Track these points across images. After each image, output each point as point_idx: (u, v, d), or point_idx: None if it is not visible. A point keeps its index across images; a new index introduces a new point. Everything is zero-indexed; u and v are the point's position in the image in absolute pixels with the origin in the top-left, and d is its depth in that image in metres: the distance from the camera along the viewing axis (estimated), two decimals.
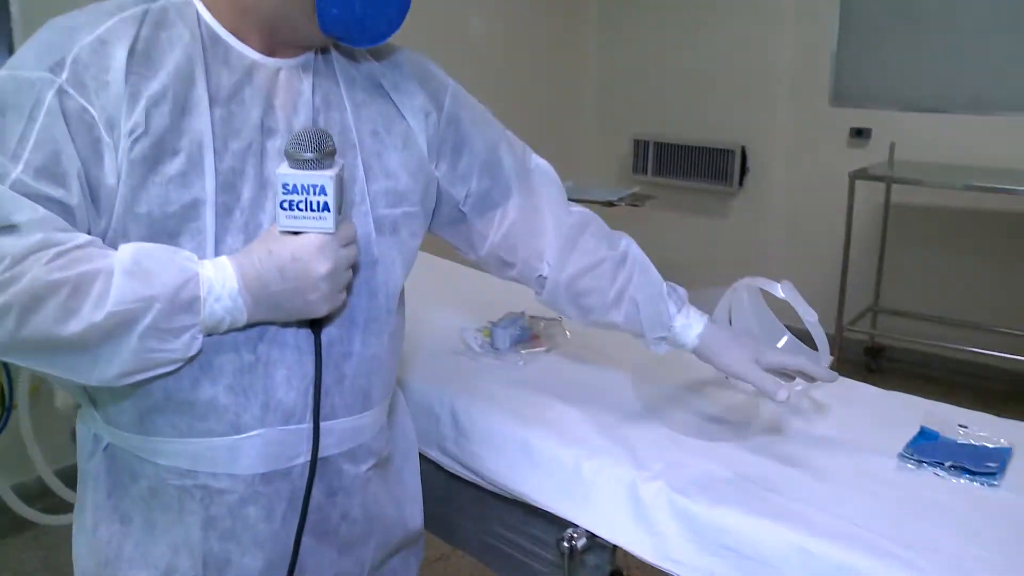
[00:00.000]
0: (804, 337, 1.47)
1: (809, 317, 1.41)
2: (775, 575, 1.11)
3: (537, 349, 1.68)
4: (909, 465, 1.26)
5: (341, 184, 0.97)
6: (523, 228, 1.28)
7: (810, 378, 1.31)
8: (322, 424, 1.04)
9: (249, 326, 0.99)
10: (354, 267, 1.03)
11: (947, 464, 1.25)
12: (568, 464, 1.31)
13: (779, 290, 1.41)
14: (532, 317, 1.76)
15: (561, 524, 1.30)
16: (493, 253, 1.30)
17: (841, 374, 1.37)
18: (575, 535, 1.27)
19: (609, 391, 1.52)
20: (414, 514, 1.32)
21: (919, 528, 1.12)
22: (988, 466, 1.23)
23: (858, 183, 3.72)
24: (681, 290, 1.35)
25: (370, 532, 1.19)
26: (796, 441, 1.36)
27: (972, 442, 1.32)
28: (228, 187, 0.98)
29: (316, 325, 1.03)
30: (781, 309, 1.48)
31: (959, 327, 3.89)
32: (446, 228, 1.28)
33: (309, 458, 1.04)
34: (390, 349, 1.15)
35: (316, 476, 1.05)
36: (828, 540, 1.10)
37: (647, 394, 1.51)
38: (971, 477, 1.23)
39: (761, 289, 1.50)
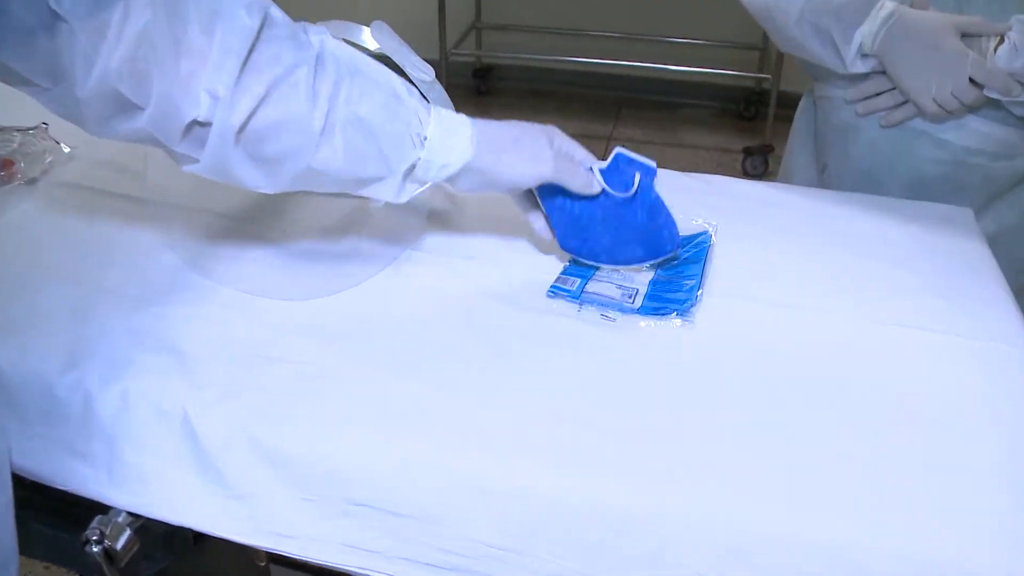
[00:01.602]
0: None
1: (421, 74, 0.91)
2: (446, 535, 0.67)
3: (12, 183, 1.03)
4: (556, 305, 0.85)
5: None
6: (163, 40, 0.64)
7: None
8: None
9: None
10: None
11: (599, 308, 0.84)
12: (70, 399, 0.75)
13: (367, 36, 0.88)
14: (2, 130, 1.09)
15: (96, 505, 0.76)
16: (106, 87, 0.65)
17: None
18: (105, 530, 0.73)
19: (135, 244, 0.94)
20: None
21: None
22: (610, 308, 0.83)
23: None
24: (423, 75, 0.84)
25: None
26: (437, 277, 0.89)
27: None
28: None
29: None
30: None
31: (566, 36, 3.61)
32: (11, 48, 0.62)
33: None
34: None
35: None
36: (503, 465, 0.66)
37: (192, 232, 0.94)
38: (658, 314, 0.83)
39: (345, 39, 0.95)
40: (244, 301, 0.84)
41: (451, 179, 0.80)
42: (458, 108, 0.84)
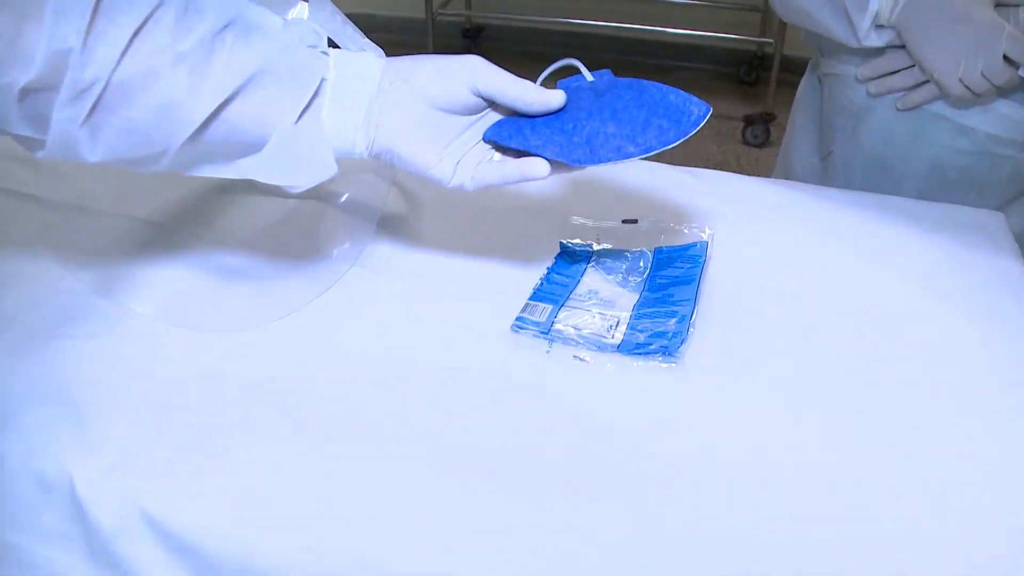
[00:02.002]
0: None
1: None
2: None
3: None
4: (522, 340, 0.72)
5: None
6: None
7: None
8: None
9: None
10: None
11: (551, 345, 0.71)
12: None
13: (301, 11, 0.75)
14: None
15: None
16: None
17: None
18: None
19: (33, 260, 0.81)
20: None
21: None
22: (586, 345, 0.70)
23: None
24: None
25: None
26: (381, 303, 0.76)
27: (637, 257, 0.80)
28: None
29: None
30: None
31: None
32: None
33: None
34: None
35: None
36: (450, 566, 0.54)
37: (102, 244, 0.81)
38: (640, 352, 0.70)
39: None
40: (155, 332, 0.72)
41: (373, 113, 0.61)
42: None
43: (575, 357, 0.69)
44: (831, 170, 1.11)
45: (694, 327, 0.71)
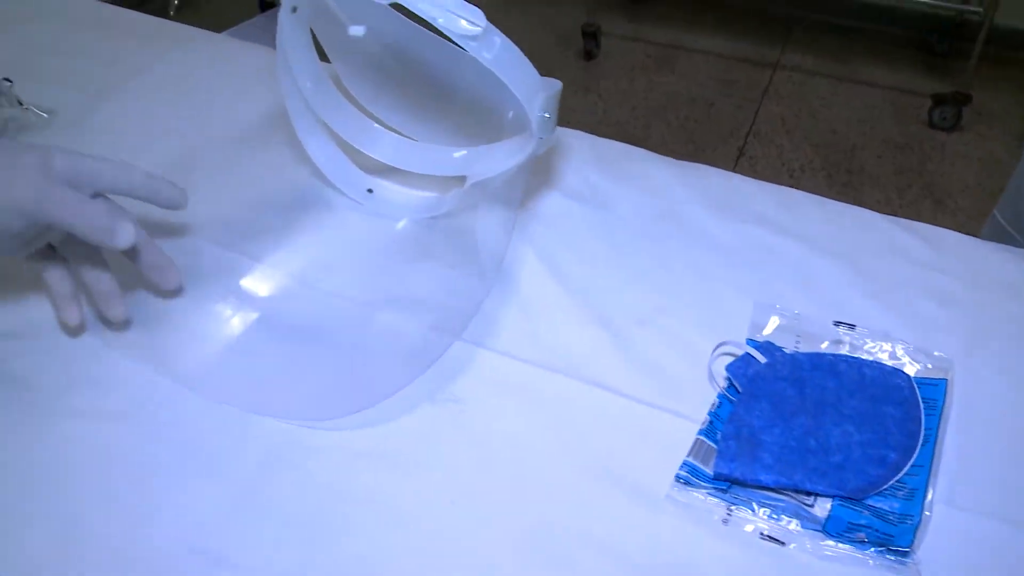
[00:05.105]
0: None
1: (463, 25, 0.58)
2: None
3: None
4: (687, 498, 0.52)
5: None
6: None
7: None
8: None
9: None
10: None
11: (761, 510, 0.50)
12: None
13: None
14: None
15: None
16: None
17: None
18: None
19: None
20: None
21: None
22: (780, 515, 0.50)
23: None
24: None
25: None
26: (491, 411, 0.58)
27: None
28: None
29: None
30: None
31: None
32: None
33: None
34: None
35: None
36: None
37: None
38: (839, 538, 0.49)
39: None
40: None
41: None
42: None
43: (764, 535, 0.49)
44: None
45: (932, 508, 0.50)
